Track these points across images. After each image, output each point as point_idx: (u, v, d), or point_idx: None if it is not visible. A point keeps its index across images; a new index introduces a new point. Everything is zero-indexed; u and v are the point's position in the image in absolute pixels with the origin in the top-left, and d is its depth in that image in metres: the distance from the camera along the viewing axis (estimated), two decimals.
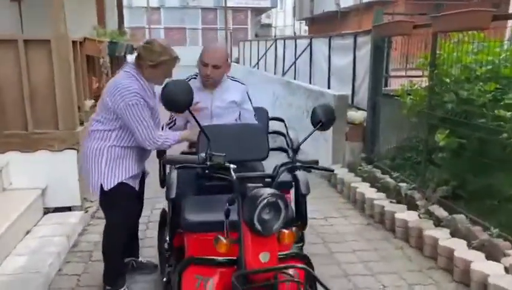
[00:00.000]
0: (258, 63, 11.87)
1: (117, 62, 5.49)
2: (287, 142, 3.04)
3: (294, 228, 2.17)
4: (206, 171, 1.56)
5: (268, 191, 1.46)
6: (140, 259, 3.00)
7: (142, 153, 2.58)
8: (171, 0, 22.60)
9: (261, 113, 3.16)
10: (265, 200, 1.42)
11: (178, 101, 1.52)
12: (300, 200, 2.42)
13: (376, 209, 3.89)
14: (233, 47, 17.61)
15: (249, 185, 1.52)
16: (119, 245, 2.59)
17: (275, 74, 10.06)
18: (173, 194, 2.04)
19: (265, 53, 11.25)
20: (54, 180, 3.74)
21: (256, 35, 23.79)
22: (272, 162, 2.73)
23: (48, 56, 3.57)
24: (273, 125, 3.53)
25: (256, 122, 2.91)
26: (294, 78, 8.51)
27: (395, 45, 4.95)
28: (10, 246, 3.03)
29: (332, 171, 1.73)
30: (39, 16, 5.77)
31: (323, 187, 4.91)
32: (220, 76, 2.69)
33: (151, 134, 2.38)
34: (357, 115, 5.12)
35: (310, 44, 7.92)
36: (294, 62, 8.51)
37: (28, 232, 3.32)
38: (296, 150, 1.87)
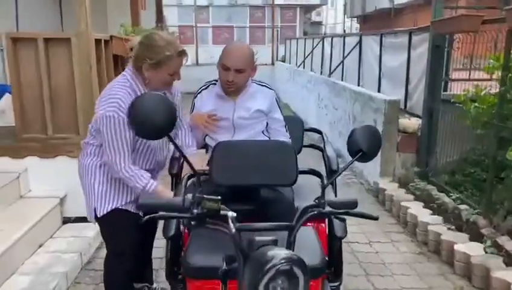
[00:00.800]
0: (303, 62, 11.34)
1: None
2: (325, 160, 2.56)
3: (325, 280, 1.74)
4: (192, 222, 1.12)
5: (281, 253, 1.02)
6: (154, 285, 2.65)
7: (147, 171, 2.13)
8: None
9: (294, 123, 2.71)
10: (276, 268, 0.98)
11: (153, 123, 1.07)
12: (334, 243, 1.93)
13: (431, 236, 3.32)
14: (280, 45, 17.17)
15: (257, 239, 1.08)
16: (123, 278, 2.20)
17: (321, 73, 9.52)
18: (172, 231, 1.62)
19: (311, 51, 10.72)
20: (73, 188, 3.47)
21: (305, 33, 23.20)
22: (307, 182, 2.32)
23: (69, 55, 3.32)
24: (307, 139, 3.05)
25: (287, 134, 2.46)
26: (342, 79, 7.94)
27: (458, 44, 4.30)
28: (16, 262, 2.78)
29: (376, 219, 1.26)
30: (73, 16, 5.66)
31: (369, 203, 4.37)
32: (244, 81, 2.27)
33: (120, 161, 1.92)
34: (411, 123, 4.53)
35: (360, 42, 7.33)
36: (342, 61, 7.94)
37: (40, 246, 3.07)
38: (326, 185, 1.39)
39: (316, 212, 1.20)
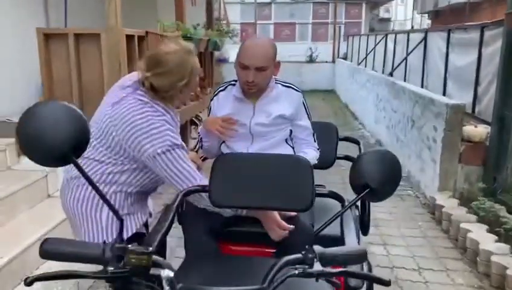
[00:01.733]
0: (365, 59, 10.71)
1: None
2: None
3: None
4: (109, 283, 0.82)
5: None
6: None
7: (147, 194, 1.88)
8: None
9: (327, 130, 2.35)
10: None
11: (53, 144, 0.78)
12: None
13: (494, 268, 2.79)
14: (343, 42, 16.54)
15: None
16: None
17: (383, 72, 8.89)
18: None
19: (373, 49, 10.07)
20: None
21: (372, 30, 22.23)
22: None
23: (99, 51, 3.19)
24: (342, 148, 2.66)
25: (315, 144, 2.11)
26: (404, 79, 7.31)
27: None
28: (40, 261, 2.70)
29: (388, 284, 0.89)
30: (124, 11, 5.62)
31: (423, 221, 3.86)
32: (266, 81, 1.96)
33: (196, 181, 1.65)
34: (477, 131, 3.94)
35: (425, 38, 6.67)
36: (405, 59, 7.31)
37: None
38: (330, 222, 1.03)
39: (297, 271, 0.86)
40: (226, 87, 2.12)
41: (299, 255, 0.88)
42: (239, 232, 1.84)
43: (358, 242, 1.84)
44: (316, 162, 2.06)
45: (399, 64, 7.36)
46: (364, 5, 22.71)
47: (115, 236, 1.66)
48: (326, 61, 15.34)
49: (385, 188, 0.96)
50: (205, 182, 1.62)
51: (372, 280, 0.94)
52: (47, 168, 3.31)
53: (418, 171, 4.68)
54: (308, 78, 14.83)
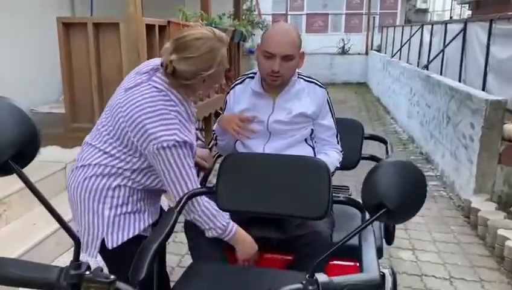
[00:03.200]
0: (399, 51, 10.30)
1: None
2: None
3: None
4: None
5: None
6: None
7: (159, 191, 1.72)
8: None
9: (352, 128, 2.17)
10: None
11: None
12: None
13: None
14: (376, 34, 16.05)
15: None
16: None
17: (418, 65, 8.50)
18: (141, 274, 1.19)
19: (408, 40, 9.66)
20: None
21: (409, 21, 21.50)
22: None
23: (118, 41, 3.11)
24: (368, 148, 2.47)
25: (338, 145, 1.94)
26: (441, 73, 6.94)
27: None
28: (58, 252, 2.66)
29: None
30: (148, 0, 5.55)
31: (457, 225, 3.61)
32: (291, 72, 1.81)
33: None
34: None
35: (464, 29, 6.29)
36: (441, 51, 6.93)
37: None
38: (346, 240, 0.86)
39: None
40: (243, 80, 1.97)
41: (299, 286, 0.73)
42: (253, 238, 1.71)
43: (381, 254, 1.67)
44: (339, 165, 1.89)
45: (435, 57, 6.99)
46: None
47: (117, 236, 1.56)
48: (359, 53, 14.92)
49: (405, 209, 0.79)
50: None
51: None
52: (66, 160, 3.28)
53: (453, 171, 4.40)
54: (340, 70, 14.48)
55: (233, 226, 1.55)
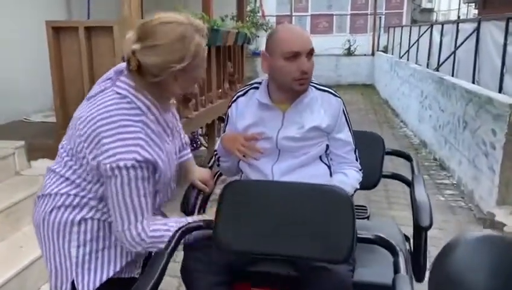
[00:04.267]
0: (407, 52, 10.02)
1: (222, 53, 4.68)
2: (412, 206, 1.71)
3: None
4: None
5: None
6: None
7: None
8: None
9: (371, 142, 1.92)
10: None
11: None
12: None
13: None
14: (382, 34, 15.78)
15: None
16: None
17: (427, 66, 8.22)
18: None
19: (416, 41, 9.39)
20: None
21: (414, 22, 21.23)
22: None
23: (111, 46, 2.88)
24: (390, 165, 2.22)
25: (357, 162, 1.69)
26: (452, 74, 6.66)
27: None
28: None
29: None
30: (161, 3, 5.34)
31: None
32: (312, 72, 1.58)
33: (138, 226, 1.25)
34: None
35: (477, 29, 6.01)
36: (453, 52, 6.65)
37: None
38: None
39: None
40: (246, 92, 1.72)
41: None
42: (259, 274, 1.46)
43: None
44: (359, 186, 1.65)
45: (447, 58, 6.72)
46: None
47: (88, 279, 1.29)
48: (365, 54, 14.66)
49: None
50: (159, 233, 1.28)
51: None
52: None
53: (471, 179, 4.13)
54: (345, 71, 14.23)
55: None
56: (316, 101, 1.63)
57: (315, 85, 1.67)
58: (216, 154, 1.74)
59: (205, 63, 1.38)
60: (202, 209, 1.71)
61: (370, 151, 1.86)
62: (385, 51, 13.93)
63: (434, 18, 28.73)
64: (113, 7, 4.92)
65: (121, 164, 1.18)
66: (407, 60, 9.72)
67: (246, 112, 1.67)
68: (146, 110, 1.27)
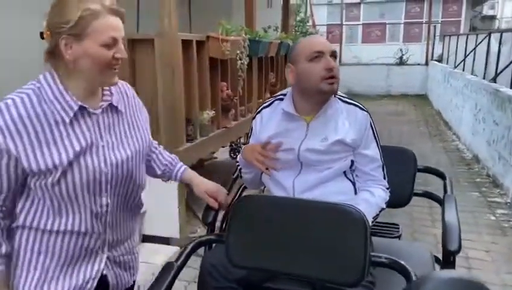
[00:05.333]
0: (462, 62, 9.57)
1: (265, 64, 4.70)
2: (443, 228, 1.59)
3: None
4: None
5: None
6: None
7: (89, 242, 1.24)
8: None
9: (402, 158, 1.84)
10: None
11: None
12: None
13: None
14: (438, 43, 15.19)
15: None
16: None
17: (484, 77, 7.80)
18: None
19: (472, 50, 8.94)
20: (153, 204, 3.17)
21: (474, 29, 20.29)
22: None
23: (152, 58, 2.98)
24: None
25: (384, 180, 1.63)
26: (511, 86, 6.27)
27: None
28: None
29: None
30: (197, 16, 5.47)
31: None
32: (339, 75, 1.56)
33: None
34: None
35: None
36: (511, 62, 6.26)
37: None
38: None
39: None
40: (271, 103, 1.72)
41: None
42: None
43: None
44: (385, 206, 1.58)
45: (504, 68, 6.34)
46: (464, 2, 20.82)
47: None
48: (419, 64, 14.18)
49: None
50: None
51: None
52: None
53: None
54: (397, 81, 13.82)
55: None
56: (341, 114, 1.60)
57: (341, 97, 1.64)
58: (238, 165, 1.73)
59: (115, 50, 1.19)
60: (225, 221, 1.71)
61: (401, 167, 1.78)
62: (440, 60, 13.39)
63: (496, 26, 27.28)
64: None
65: None
66: (463, 70, 9.27)
67: (270, 123, 1.66)
68: (44, 83, 1.17)
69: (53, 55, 1.17)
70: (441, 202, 1.79)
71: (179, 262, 1.15)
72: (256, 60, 4.33)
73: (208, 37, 3.37)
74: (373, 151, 1.61)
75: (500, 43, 7.52)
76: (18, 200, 1.21)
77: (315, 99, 1.56)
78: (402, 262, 1.11)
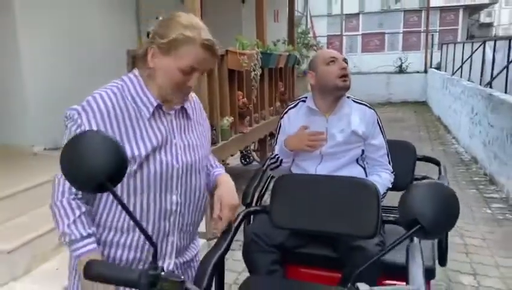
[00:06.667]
0: (459, 69, 9.97)
1: (274, 74, 5.09)
2: None
3: None
4: None
5: None
6: None
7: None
8: (371, 6, 21.70)
9: (404, 149, 2.21)
10: None
11: (91, 173, 0.79)
12: None
13: None
14: (436, 51, 15.61)
15: None
16: None
17: (480, 83, 8.18)
18: (203, 284, 1.30)
19: (469, 57, 9.35)
20: None
21: (472, 37, 20.71)
22: None
23: None
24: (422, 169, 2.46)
25: (389, 165, 2.00)
26: (505, 91, 6.65)
27: None
28: None
29: None
30: (219, 31, 5.88)
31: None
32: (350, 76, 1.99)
33: (60, 184, 1.24)
34: None
35: None
36: (504, 68, 6.65)
37: None
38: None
39: None
40: (296, 104, 2.11)
41: None
42: (306, 255, 1.80)
43: (433, 275, 1.69)
44: (390, 186, 1.95)
45: (497, 74, 6.74)
46: (461, 11, 21.29)
47: None
48: (418, 72, 14.58)
49: (437, 226, 0.86)
50: None
51: None
52: None
53: (506, 179, 4.19)
54: (397, 89, 14.20)
55: (84, 248, 1.20)
56: (354, 112, 1.98)
57: (353, 99, 2.02)
58: (278, 157, 2.03)
59: (191, 77, 1.28)
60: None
61: (403, 157, 2.14)
62: (438, 68, 13.81)
63: (493, 33, 27.72)
64: None
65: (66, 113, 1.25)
66: (460, 76, 9.67)
67: (296, 119, 2.04)
68: (128, 82, 1.30)
69: (141, 59, 1.30)
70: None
71: (235, 224, 1.51)
72: (267, 71, 4.72)
73: (227, 51, 3.76)
74: (379, 141, 1.98)
75: (494, 51, 7.93)
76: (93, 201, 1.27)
77: (332, 96, 1.95)
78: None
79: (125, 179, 1.19)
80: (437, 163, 2.32)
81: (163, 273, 0.79)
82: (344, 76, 1.93)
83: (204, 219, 3.54)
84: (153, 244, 0.81)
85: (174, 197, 1.30)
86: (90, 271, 0.83)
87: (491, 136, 5.46)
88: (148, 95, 1.28)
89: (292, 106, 2.12)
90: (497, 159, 5.10)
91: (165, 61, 1.25)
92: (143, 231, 0.82)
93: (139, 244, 1.27)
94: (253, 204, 1.94)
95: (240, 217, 1.58)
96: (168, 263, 1.33)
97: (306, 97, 2.06)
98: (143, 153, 1.24)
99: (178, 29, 1.24)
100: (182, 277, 0.79)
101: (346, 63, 1.98)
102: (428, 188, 0.88)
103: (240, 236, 1.88)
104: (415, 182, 0.97)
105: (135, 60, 1.33)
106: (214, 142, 3.63)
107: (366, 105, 2.01)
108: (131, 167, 1.22)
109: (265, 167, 2.19)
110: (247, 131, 4.28)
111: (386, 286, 0.84)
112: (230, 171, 5.73)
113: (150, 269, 0.79)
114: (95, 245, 1.22)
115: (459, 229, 3.81)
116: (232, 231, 1.49)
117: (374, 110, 2.01)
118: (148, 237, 0.82)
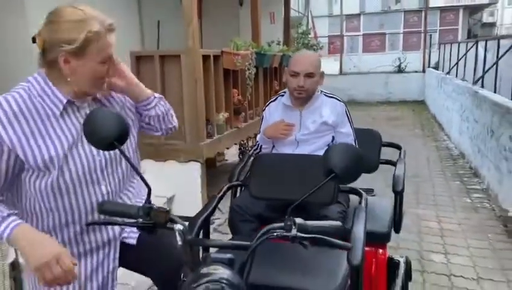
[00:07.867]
0: (454, 67, 10.24)
1: (269, 73, 5.41)
2: (395, 176, 2.30)
3: None
4: (140, 230, 1.17)
5: (221, 273, 0.99)
6: None
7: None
8: (371, 6, 21.96)
9: (371, 136, 2.52)
10: (205, 286, 0.95)
11: (103, 135, 1.11)
12: None
13: None
14: (435, 51, 15.84)
15: (212, 255, 1.07)
16: None
17: (473, 81, 8.46)
18: (193, 232, 1.64)
19: (462, 56, 9.63)
20: (180, 190, 3.87)
21: (474, 36, 20.91)
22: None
23: (179, 70, 3.69)
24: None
25: (357, 147, 2.31)
26: (495, 90, 6.92)
27: None
28: None
29: (348, 248, 1.13)
30: (210, 33, 6.20)
31: (493, 233, 3.73)
32: (313, 87, 2.26)
33: None
34: None
35: None
36: (491, 67, 6.93)
37: None
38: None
39: (276, 234, 1.13)
40: (276, 98, 2.43)
41: (281, 223, 1.15)
42: (280, 220, 2.11)
43: (387, 239, 2.01)
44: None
45: (485, 73, 7.02)
46: (461, 11, 21.48)
47: None
48: (416, 71, 14.83)
49: (347, 174, 1.20)
50: None
51: (337, 246, 1.16)
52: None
53: (497, 183, 4.49)
54: (396, 88, 14.45)
55: (13, 223, 1.22)
56: (325, 104, 2.29)
57: (325, 93, 2.33)
58: (258, 144, 2.41)
59: (108, 65, 1.35)
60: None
61: (370, 143, 2.45)
62: (436, 67, 14.06)
63: (495, 32, 27.84)
64: (176, 38, 5.86)
65: None
66: (456, 75, 9.94)
67: (275, 112, 2.37)
68: (36, 86, 1.30)
69: (49, 64, 1.28)
70: (395, 164, 2.46)
71: (219, 194, 1.83)
72: (262, 70, 5.04)
73: (222, 51, 4.09)
74: (347, 129, 2.29)
75: (485, 50, 8.20)
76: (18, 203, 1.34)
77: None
78: (358, 188, 1.80)
79: (49, 186, 1.28)
80: (398, 147, 2.64)
81: (154, 206, 1.12)
82: (300, 92, 2.20)
83: (201, 206, 3.87)
84: (147, 186, 1.14)
85: (103, 187, 1.38)
86: (104, 209, 1.15)
87: (476, 132, 5.75)
88: (56, 93, 1.29)
89: (273, 100, 2.44)
90: (480, 152, 5.39)
91: (82, 62, 1.26)
92: (139, 174, 1.15)
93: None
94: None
95: (224, 189, 1.90)
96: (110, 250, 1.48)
97: (285, 92, 2.38)
98: (60, 152, 1.28)
99: (81, 28, 1.23)
100: (167, 209, 1.11)
101: (309, 76, 2.19)
102: (342, 147, 1.21)
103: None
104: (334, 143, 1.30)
105: (41, 65, 1.32)
106: (210, 136, 3.96)
107: (336, 98, 2.32)
108: (53, 172, 1.27)
109: (250, 152, 2.51)
110: (242, 126, 4.60)
111: (316, 221, 1.14)
112: (229, 166, 6.10)
113: (146, 204, 1.12)
114: (20, 220, 1.25)
115: (437, 216, 4.11)
116: (216, 199, 1.82)
117: (343, 102, 2.32)
118: (143, 180, 1.15)
